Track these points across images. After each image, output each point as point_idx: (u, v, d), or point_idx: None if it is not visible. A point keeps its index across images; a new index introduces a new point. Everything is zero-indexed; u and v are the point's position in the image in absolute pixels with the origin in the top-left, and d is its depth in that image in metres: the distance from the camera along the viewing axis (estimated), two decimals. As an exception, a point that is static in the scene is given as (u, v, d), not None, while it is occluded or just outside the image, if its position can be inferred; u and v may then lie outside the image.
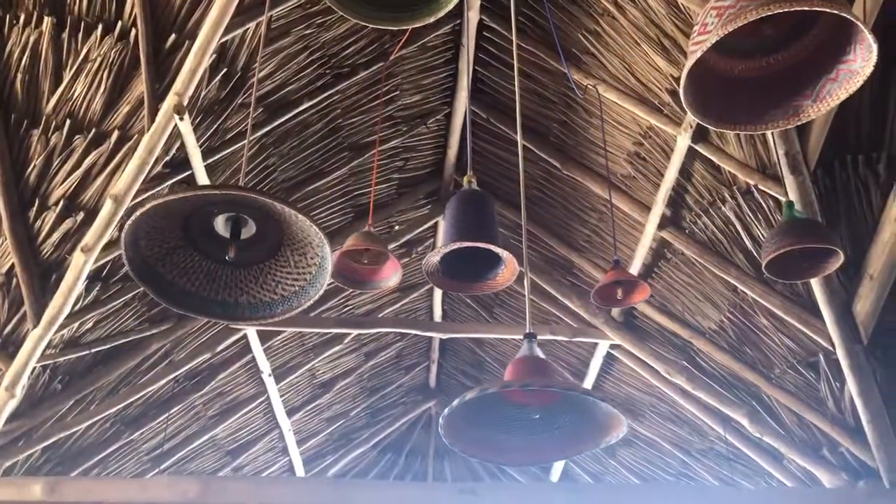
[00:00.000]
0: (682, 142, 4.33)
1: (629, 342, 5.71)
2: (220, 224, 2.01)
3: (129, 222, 1.84)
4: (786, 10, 1.82)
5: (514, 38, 2.58)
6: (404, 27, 2.42)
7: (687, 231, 4.89)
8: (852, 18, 1.83)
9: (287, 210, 1.94)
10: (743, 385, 5.21)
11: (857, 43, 1.96)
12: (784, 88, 2.16)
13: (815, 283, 4.08)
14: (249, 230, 2.03)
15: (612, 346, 5.99)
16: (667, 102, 4.38)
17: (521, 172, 2.25)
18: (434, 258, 2.54)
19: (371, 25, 2.35)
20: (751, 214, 4.41)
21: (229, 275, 2.09)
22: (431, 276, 2.59)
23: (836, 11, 1.81)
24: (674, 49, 4.14)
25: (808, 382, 4.76)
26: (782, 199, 3.97)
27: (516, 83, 2.17)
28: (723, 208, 4.55)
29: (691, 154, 4.44)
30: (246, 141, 2.84)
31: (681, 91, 2.05)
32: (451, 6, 2.28)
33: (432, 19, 2.32)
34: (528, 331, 1.85)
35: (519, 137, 2.30)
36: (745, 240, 4.54)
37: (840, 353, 4.20)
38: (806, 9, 1.82)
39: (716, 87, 2.20)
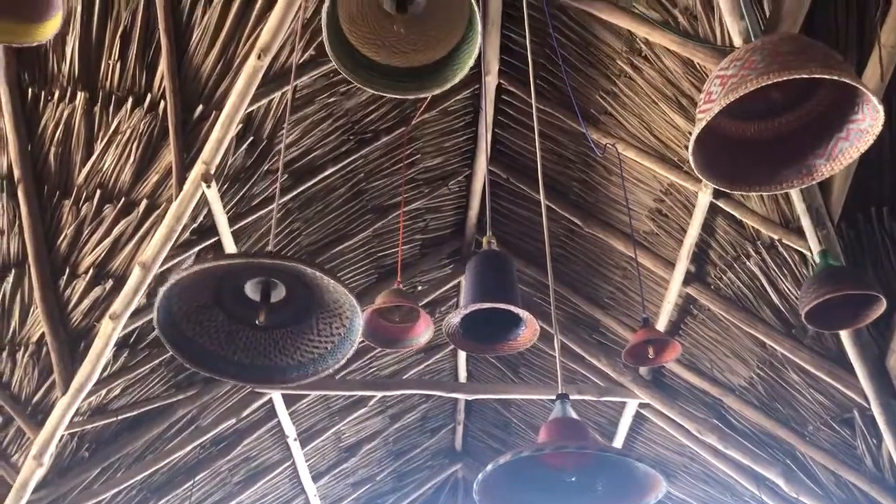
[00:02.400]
0: (704, 198, 4.34)
1: (658, 401, 5.63)
2: (250, 286, 1.99)
3: (166, 285, 1.82)
4: (784, 78, 1.86)
5: (533, 99, 2.63)
6: (420, 96, 2.47)
7: (712, 287, 4.86)
8: (853, 83, 1.85)
9: (324, 278, 1.91)
10: (776, 443, 5.10)
11: (864, 103, 1.98)
12: (797, 148, 2.18)
13: (846, 338, 4.01)
14: (278, 294, 2.01)
15: (641, 405, 5.91)
16: (686, 159, 4.41)
17: (546, 231, 2.27)
18: (454, 319, 2.53)
19: (389, 95, 2.41)
20: (776, 269, 4.38)
21: (249, 336, 2.06)
22: (452, 337, 2.58)
23: (835, 77, 1.83)
24: (691, 107, 4.18)
25: (843, 439, 4.64)
26: (807, 253, 3.95)
27: (537, 143, 2.21)
28: (747, 263, 4.52)
29: (713, 210, 4.44)
30: (275, 204, 2.88)
31: (690, 157, 2.08)
32: (464, 73, 2.32)
33: (447, 86, 2.37)
34: (560, 391, 1.84)
35: (542, 197, 2.32)
36: (772, 295, 4.50)
37: (875, 409, 4.11)
38: (805, 76, 1.86)
39: (728, 150, 2.23)
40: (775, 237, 4.18)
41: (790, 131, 2.19)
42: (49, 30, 2.31)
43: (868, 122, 1.99)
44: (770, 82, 1.87)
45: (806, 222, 3.77)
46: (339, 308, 2.02)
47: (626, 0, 3.81)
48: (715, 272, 4.80)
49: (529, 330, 2.52)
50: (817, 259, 3.43)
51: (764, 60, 1.94)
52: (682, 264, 4.79)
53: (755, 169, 2.22)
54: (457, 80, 2.36)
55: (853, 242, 3.91)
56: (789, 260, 4.28)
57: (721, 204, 4.31)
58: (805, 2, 3.08)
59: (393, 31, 2.27)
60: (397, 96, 2.43)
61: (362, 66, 2.34)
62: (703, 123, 1.98)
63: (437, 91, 2.38)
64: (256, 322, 1.94)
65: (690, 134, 4.26)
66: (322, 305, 2.04)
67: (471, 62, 2.30)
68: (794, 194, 3.77)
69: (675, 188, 4.68)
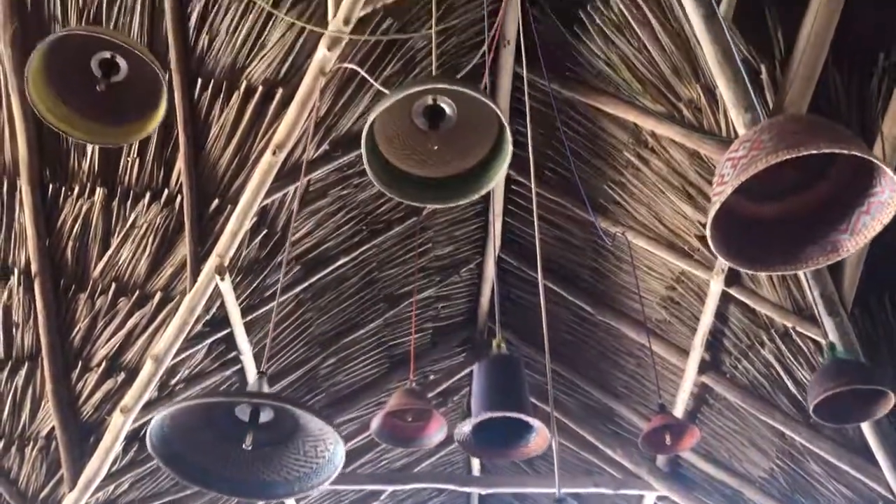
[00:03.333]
0: (715, 286, 4.34)
1: (676, 493, 5.49)
2: (240, 408, 2.12)
3: (157, 418, 1.96)
4: (794, 155, 1.86)
5: (533, 185, 2.68)
6: (457, 203, 2.57)
7: (728, 375, 4.80)
8: (866, 156, 1.85)
9: (305, 413, 2.06)
10: (801, 537, 4.93)
11: (881, 176, 1.97)
12: (819, 225, 2.15)
13: (867, 428, 3.93)
14: (267, 415, 2.13)
15: (660, 498, 5.75)
16: (696, 248, 4.43)
17: (544, 313, 2.26)
18: (465, 428, 2.57)
19: (413, 203, 2.49)
20: (791, 357, 4.34)
21: (238, 453, 2.15)
22: (464, 444, 2.62)
23: (845, 151, 1.83)
24: (699, 196, 4.23)
25: (870, 534, 4.49)
26: (822, 340, 3.91)
27: (536, 227, 2.24)
28: (762, 351, 4.48)
29: (726, 298, 4.43)
30: (275, 303, 2.89)
31: (709, 241, 2.07)
32: (495, 182, 2.41)
33: (482, 193, 2.46)
34: (558, 494, 1.82)
35: (539, 277, 2.33)
36: (788, 383, 4.44)
37: (901, 502, 4.00)
38: (814, 153, 1.85)
39: (748, 232, 2.20)
40: (789, 325, 4.16)
41: (810, 209, 2.16)
42: (157, 118, 2.47)
43: (888, 195, 1.95)
44: (780, 160, 1.86)
45: (819, 310, 3.75)
46: (323, 434, 2.12)
47: None
48: (730, 360, 4.75)
49: (541, 436, 2.54)
50: (825, 352, 3.40)
51: (773, 140, 1.93)
52: (697, 353, 4.75)
53: (777, 248, 2.18)
54: (490, 187, 2.44)
55: (868, 329, 3.88)
56: (804, 348, 4.24)
57: (733, 292, 4.30)
58: (807, 94, 3.15)
59: (427, 147, 2.38)
60: (436, 206, 2.50)
61: (398, 178, 2.45)
62: (718, 205, 1.96)
63: (474, 197, 2.48)
64: (244, 446, 2.05)
65: (699, 223, 4.31)
66: (307, 430, 2.15)
67: (504, 170, 2.38)
68: (805, 281, 3.76)
69: (687, 276, 4.69)
